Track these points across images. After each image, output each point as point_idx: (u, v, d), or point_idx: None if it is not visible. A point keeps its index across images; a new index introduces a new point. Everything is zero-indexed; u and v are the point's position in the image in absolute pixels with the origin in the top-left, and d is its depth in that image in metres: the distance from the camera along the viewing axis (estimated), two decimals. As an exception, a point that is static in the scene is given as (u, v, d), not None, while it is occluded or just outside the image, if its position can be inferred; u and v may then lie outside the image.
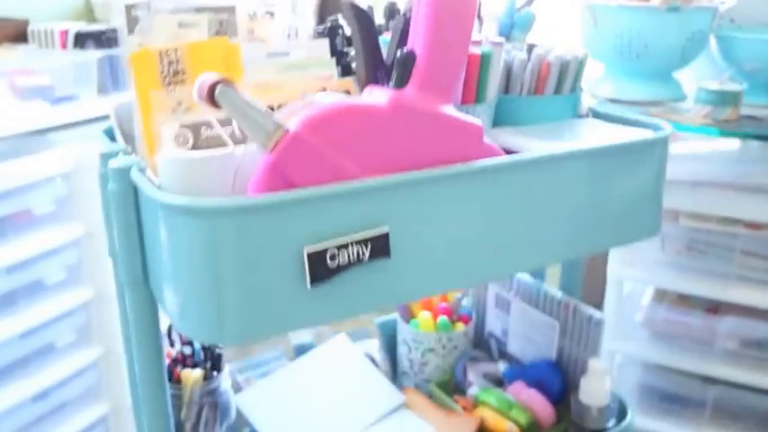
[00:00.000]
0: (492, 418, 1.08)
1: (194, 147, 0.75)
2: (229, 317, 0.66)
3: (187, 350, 1.04)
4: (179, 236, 0.66)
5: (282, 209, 0.64)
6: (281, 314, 0.67)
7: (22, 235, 1.50)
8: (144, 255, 0.78)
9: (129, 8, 0.90)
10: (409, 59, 0.69)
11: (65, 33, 1.60)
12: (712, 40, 1.33)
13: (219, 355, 1.04)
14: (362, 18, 0.72)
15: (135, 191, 0.74)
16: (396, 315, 1.26)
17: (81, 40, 1.61)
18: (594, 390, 1.04)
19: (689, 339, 1.37)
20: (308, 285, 0.66)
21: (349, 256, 0.67)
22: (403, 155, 0.69)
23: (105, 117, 1.67)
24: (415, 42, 0.70)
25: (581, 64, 0.93)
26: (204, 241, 0.64)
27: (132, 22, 0.90)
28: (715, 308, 1.36)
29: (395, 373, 1.29)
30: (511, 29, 0.99)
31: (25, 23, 1.66)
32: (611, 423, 1.05)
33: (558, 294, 1.13)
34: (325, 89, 0.77)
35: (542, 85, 0.91)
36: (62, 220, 1.59)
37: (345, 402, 1.15)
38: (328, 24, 0.90)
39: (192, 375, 1.01)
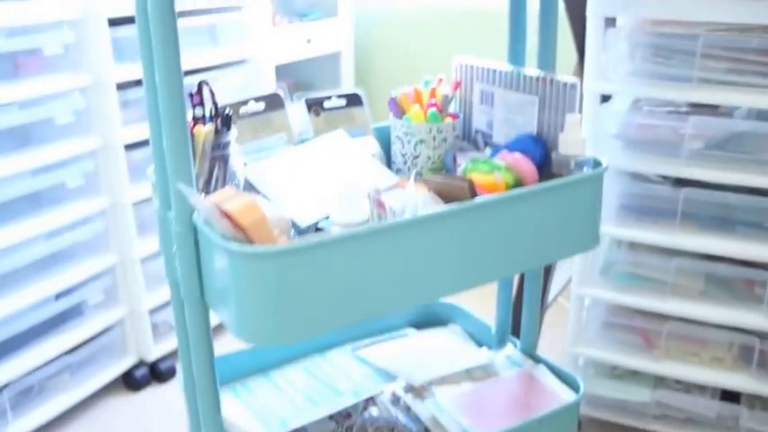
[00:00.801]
0: (480, 177, 1.19)
1: None
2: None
3: (198, 112, 1.14)
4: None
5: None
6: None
7: (46, 143, 1.62)
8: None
9: None
10: None
11: None
12: None
13: (228, 115, 1.14)
14: None
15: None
16: (389, 121, 1.37)
17: None
18: (571, 141, 1.16)
19: (659, 144, 1.49)
20: None
21: None
22: None
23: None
24: None
25: None
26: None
27: None
28: (683, 112, 1.49)
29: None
30: None
31: None
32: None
33: (536, 72, 1.25)
34: None
35: None
36: (70, 68, 1.69)
37: (343, 179, 1.25)
38: None
39: (204, 130, 1.12)
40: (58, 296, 1.74)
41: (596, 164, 1.20)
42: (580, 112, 1.22)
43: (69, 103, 1.68)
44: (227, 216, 0.92)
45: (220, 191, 1.00)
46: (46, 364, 1.74)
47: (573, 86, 1.19)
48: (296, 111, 1.34)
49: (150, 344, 1.95)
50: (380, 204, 1.04)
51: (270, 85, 2.20)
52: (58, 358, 1.76)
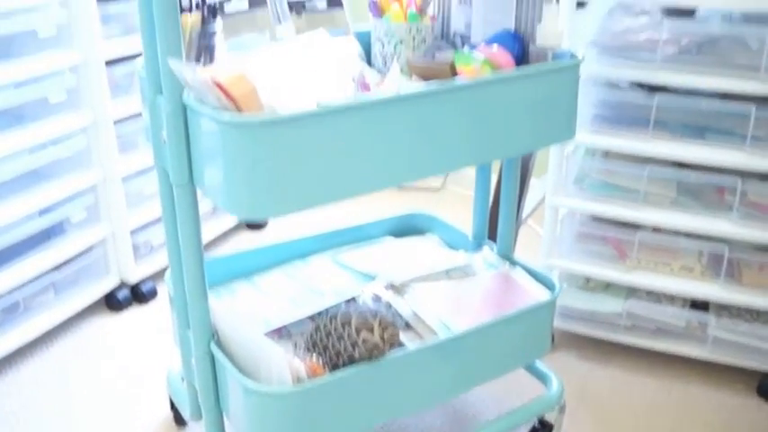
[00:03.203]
0: (461, 67, 1.21)
1: None
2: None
3: (185, 2, 1.15)
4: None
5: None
6: None
7: (28, 56, 1.65)
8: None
9: None
10: None
11: None
12: None
13: (214, 6, 1.16)
14: None
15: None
16: (369, 25, 1.39)
17: None
18: (549, 32, 1.19)
19: (634, 49, 1.52)
20: None
21: None
22: None
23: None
24: None
25: None
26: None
27: None
28: (659, 19, 1.52)
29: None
30: None
31: None
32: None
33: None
34: None
35: None
36: (62, 46, 1.70)
37: (327, 74, 1.27)
38: None
39: (191, 18, 1.13)
40: (42, 212, 1.75)
41: (572, 56, 1.23)
42: (557, 3, 1.25)
43: (50, 16, 1.67)
44: (218, 87, 0.94)
45: (211, 66, 1.02)
46: (31, 281, 1.75)
47: (550, -21, 1.22)
48: (278, 8, 1.35)
49: (132, 265, 1.97)
50: (365, 86, 1.06)
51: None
52: (42, 276, 1.77)
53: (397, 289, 1.41)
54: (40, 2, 1.64)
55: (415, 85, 1.06)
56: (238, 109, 0.95)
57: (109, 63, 1.79)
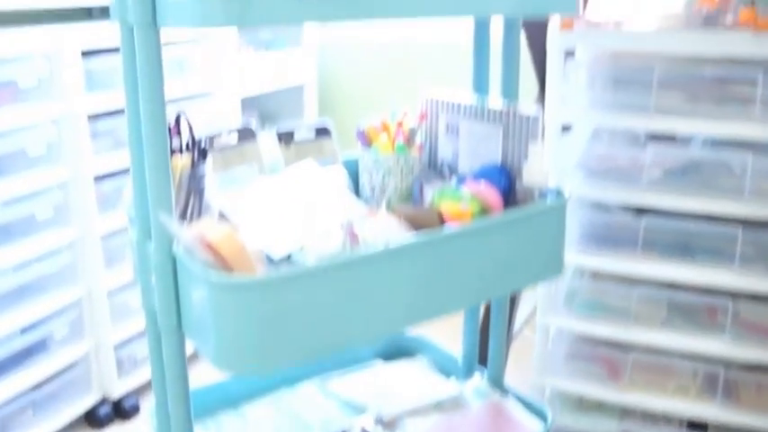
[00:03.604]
0: (448, 206, 1.22)
1: None
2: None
3: (176, 143, 1.15)
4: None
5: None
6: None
7: (16, 174, 1.65)
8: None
9: None
10: None
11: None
12: None
13: (204, 148, 1.16)
14: None
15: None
16: (357, 153, 1.40)
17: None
18: (535, 171, 1.20)
19: (619, 173, 1.53)
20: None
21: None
22: None
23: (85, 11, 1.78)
24: None
25: None
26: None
27: None
28: (643, 141, 1.54)
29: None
30: None
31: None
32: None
33: (500, 105, 1.29)
34: None
35: None
36: (51, 163, 1.71)
37: (314, 209, 1.27)
38: None
39: (181, 161, 1.13)
40: (24, 330, 1.73)
41: (559, 194, 1.23)
42: (543, 142, 1.26)
43: (41, 135, 1.68)
44: (208, 246, 0.94)
45: (201, 221, 1.02)
46: (9, 402, 1.71)
47: (535, 118, 1.23)
48: (267, 141, 1.36)
49: (114, 380, 1.93)
50: (353, 235, 1.06)
51: (236, 118, 2.22)
52: (21, 396, 1.73)
53: (386, 424, 1.38)
54: (33, 121, 1.65)
55: (403, 238, 1.06)
56: (228, 268, 0.94)
57: (97, 178, 1.79)
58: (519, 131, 1.26)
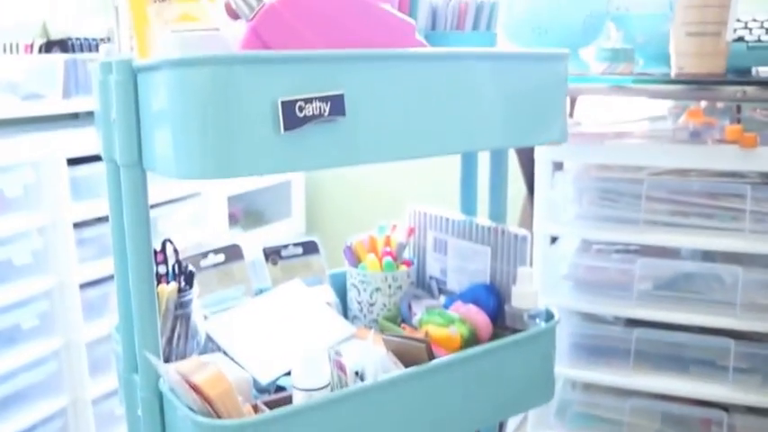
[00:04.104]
0: (435, 331, 1.21)
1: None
2: (213, 155, 0.80)
3: (162, 269, 1.15)
4: (174, 87, 0.80)
5: (258, 63, 0.79)
6: (257, 156, 0.81)
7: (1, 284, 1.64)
8: (140, 138, 0.92)
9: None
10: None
11: (29, 47, 1.73)
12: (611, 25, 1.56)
13: (191, 273, 1.15)
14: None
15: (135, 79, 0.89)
16: (345, 268, 1.40)
17: (48, 47, 1.75)
18: (524, 294, 1.19)
19: (609, 285, 1.53)
20: (282, 130, 0.81)
21: (313, 109, 0.82)
22: (355, 36, 0.86)
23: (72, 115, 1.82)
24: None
25: (494, 7, 1.13)
26: (195, 88, 0.79)
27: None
28: (631, 253, 1.54)
29: (346, 318, 1.41)
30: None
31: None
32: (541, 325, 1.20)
33: (488, 223, 1.29)
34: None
35: (462, 22, 1.10)
36: (29, 207, 1.70)
37: (301, 332, 1.26)
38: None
39: (167, 289, 1.12)
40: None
41: (549, 315, 1.22)
42: (531, 264, 1.26)
43: (27, 244, 1.68)
44: (193, 387, 0.93)
45: (187, 360, 1.01)
46: None
47: (524, 239, 1.23)
48: (254, 260, 1.36)
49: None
50: (341, 367, 1.04)
51: (222, 217, 2.23)
52: None
53: None
54: (19, 231, 1.65)
55: (392, 374, 1.05)
56: (215, 409, 0.93)
57: (83, 285, 1.78)
58: (507, 251, 1.26)
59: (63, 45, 1.77)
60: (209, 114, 0.79)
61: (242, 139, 0.80)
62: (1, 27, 1.83)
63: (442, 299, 1.35)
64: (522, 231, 1.23)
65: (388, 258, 1.37)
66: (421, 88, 0.92)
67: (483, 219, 1.32)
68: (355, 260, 1.39)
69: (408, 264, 1.39)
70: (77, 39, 1.79)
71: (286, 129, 0.81)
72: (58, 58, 1.71)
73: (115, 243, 1.01)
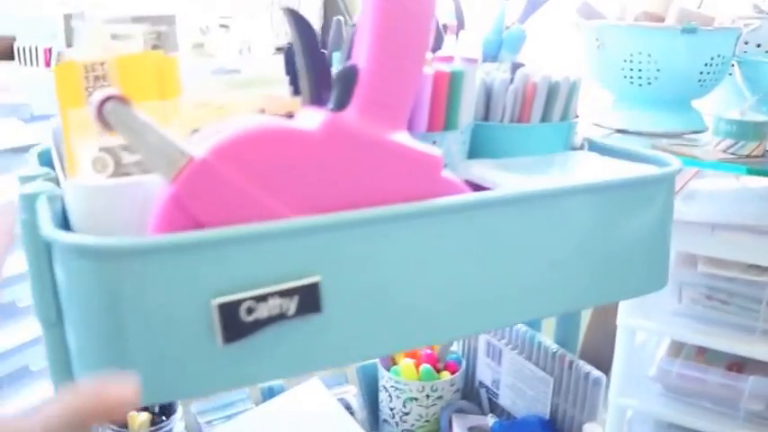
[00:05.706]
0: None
1: (115, 174, 0.65)
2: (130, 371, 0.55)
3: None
4: (71, 275, 0.56)
5: (183, 251, 0.53)
6: (190, 375, 0.56)
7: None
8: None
9: (67, 18, 0.81)
10: (350, 75, 0.58)
11: (48, 51, 1.53)
12: (736, 67, 1.21)
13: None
14: (302, 26, 0.62)
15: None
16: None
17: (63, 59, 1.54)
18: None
19: (707, 398, 1.23)
20: (220, 343, 0.55)
21: (270, 309, 0.56)
22: (340, 190, 0.58)
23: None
24: (360, 55, 0.59)
25: (574, 87, 0.82)
26: (95, 285, 0.54)
27: (70, 34, 0.81)
28: (738, 365, 1.22)
29: (376, 421, 1.18)
30: (499, 48, 0.88)
31: (12, 40, 1.60)
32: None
33: (554, 347, 1.01)
34: (263, 110, 0.66)
35: (528, 111, 0.80)
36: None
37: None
38: (288, 41, 0.79)
39: (139, 418, 0.91)
40: None
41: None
42: (605, 414, 0.97)
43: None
44: None
45: None
46: None
47: (597, 382, 0.94)
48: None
49: None
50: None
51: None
52: None
53: None
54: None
55: None
56: None
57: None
58: (575, 391, 0.97)
59: None
60: (113, 321, 0.55)
61: (166, 355, 0.55)
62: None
63: (491, 419, 1.09)
64: (596, 372, 0.95)
65: (427, 365, 1.11)
66: (444, 250, 0.64)
67: (547, 338, 1.03)
68: (388, 362, 1.14)
69: (453, 368, 1.14)
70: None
71: (227, 341, 0.55)
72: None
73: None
